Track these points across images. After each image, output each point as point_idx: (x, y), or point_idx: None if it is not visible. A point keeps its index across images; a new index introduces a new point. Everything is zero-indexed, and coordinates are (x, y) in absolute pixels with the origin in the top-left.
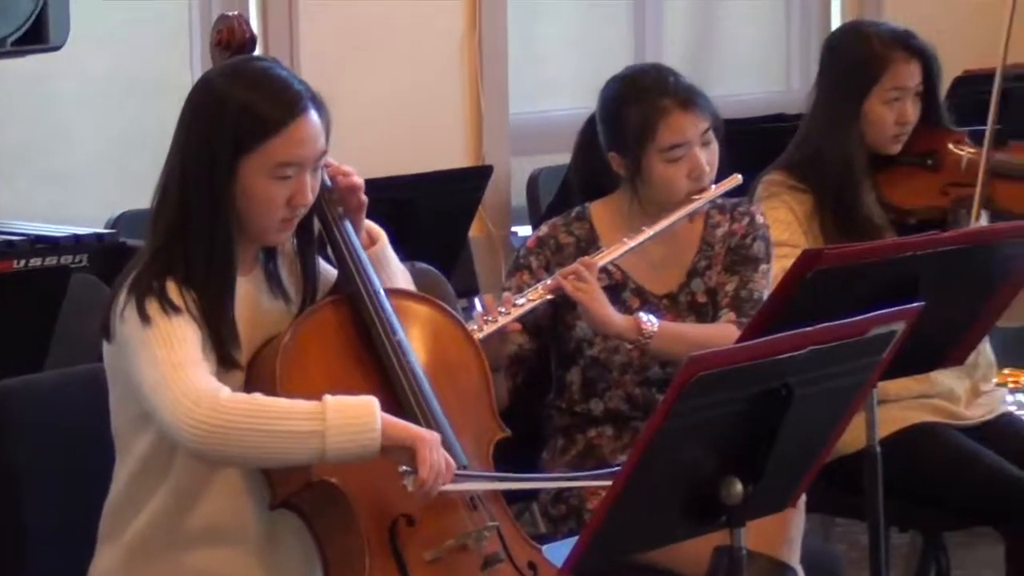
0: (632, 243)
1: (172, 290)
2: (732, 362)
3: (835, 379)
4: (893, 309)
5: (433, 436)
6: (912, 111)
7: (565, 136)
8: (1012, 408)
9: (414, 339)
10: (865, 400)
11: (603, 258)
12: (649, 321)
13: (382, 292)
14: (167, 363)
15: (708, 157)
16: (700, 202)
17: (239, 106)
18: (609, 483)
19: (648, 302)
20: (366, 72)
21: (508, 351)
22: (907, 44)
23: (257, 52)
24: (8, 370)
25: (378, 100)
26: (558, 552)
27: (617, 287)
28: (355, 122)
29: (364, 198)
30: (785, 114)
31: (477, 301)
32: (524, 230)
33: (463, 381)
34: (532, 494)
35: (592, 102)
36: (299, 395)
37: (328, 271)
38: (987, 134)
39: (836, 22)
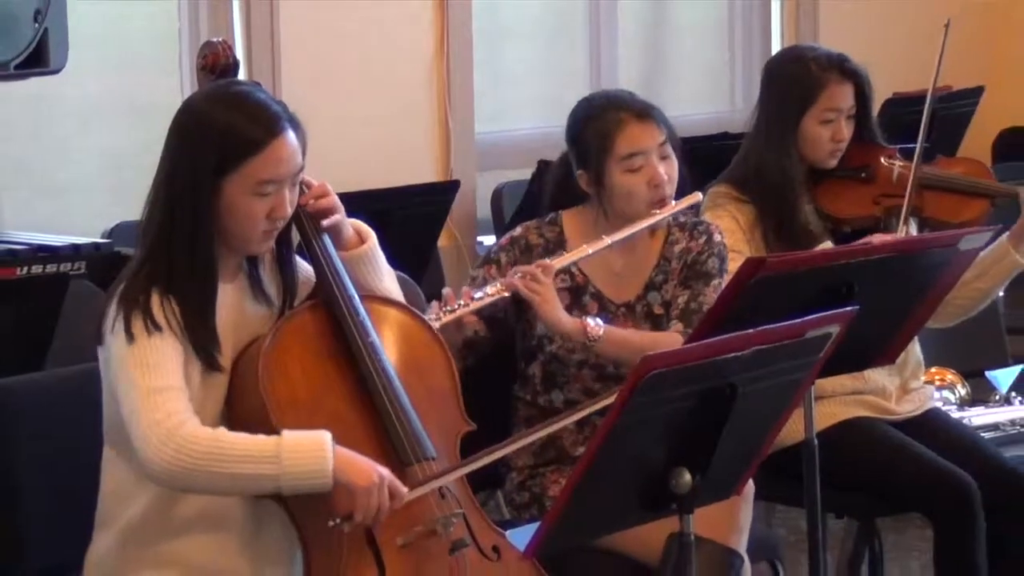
0: (591, 249)
1: (156, 304)
2: (681, 361)
3: (776, 377)
4: (829, 312)
5: (377, 479)
6: (846, 130)
7: (527, 153)
8: (939, 404)
9: (386, 341)
10: (804, 396)
11: (560, 262)
12: (596, 325)
13: (356, 297)
14: (142, 388)
15: (667, 170)
16: (660, 216)
17: (222, 128)
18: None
19: (606, 308)
20: (343, 94)
21: (465, 335)
22: (842, 67)
23: (241, 76)
24: (11, 368)
25: (354, 119)
26: (521, 537)
27: (578, 290)
28: (333, 140)
29: (337, 215)
30: (730, 132)
31: (446, 290)
32: (489, 240)
33: (431, 379)
34: (497, 482)
35: (551, 122)
36: (279, 395)
37: (308, 269)
38: (917, 149)
39: (776, 47)
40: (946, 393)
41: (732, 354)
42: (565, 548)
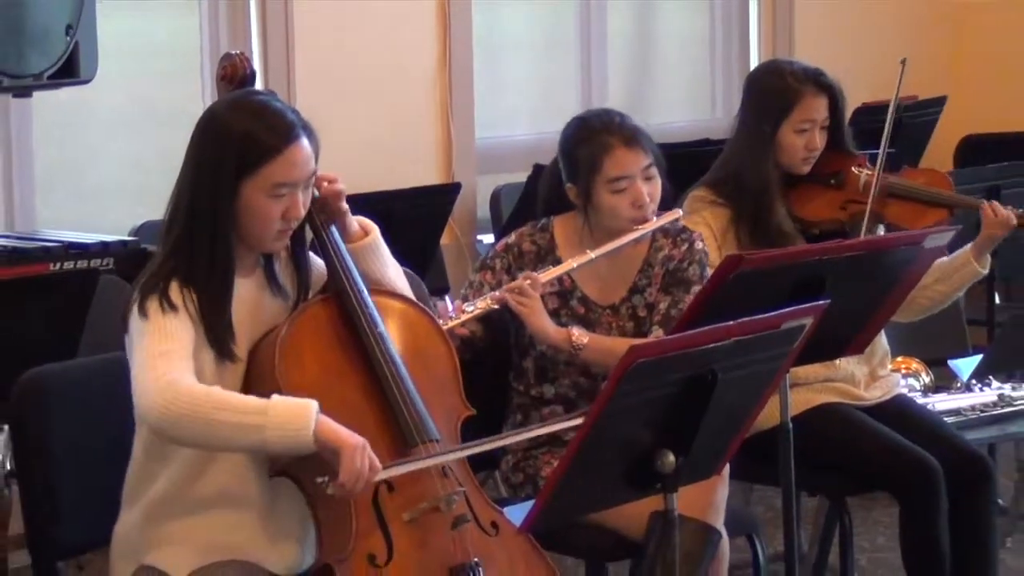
0: (576, 263)
1: (174, 290)
2: (666, 351)
3: (753, 366)
4: (803, 306)
5: (359, 442)
6: (819, 139)
7: (523, 157)
8: (904, 390)
9: (392, 331)
10: (779, 383)
11: (547, 275)
12: (581, 334)
13: (366, 291)
14: (151, 351)
15: (650, 190)
16: (641, 232)
17: (241, 135)
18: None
19: (592, 311)
20: (353, 102)
21: (462, 336)
22: (817, 81)
23: (257, 85)
24: (45, 357)
25: (363, 126)
26: (517, 513)
27: (566, 294)
28: (343, 145)
29: (344, 205)
30: (710, 139)
31: (447, 299)
32: (488, 238)
33: (434, 367)
34: (494, 463)
35: (546, 128)
36: (294, 381)
37: (320, 266)
38: (879, 158)
39: (754, 60)
40: (911, 380)
41: (713, 344)
42: (558, 524)
